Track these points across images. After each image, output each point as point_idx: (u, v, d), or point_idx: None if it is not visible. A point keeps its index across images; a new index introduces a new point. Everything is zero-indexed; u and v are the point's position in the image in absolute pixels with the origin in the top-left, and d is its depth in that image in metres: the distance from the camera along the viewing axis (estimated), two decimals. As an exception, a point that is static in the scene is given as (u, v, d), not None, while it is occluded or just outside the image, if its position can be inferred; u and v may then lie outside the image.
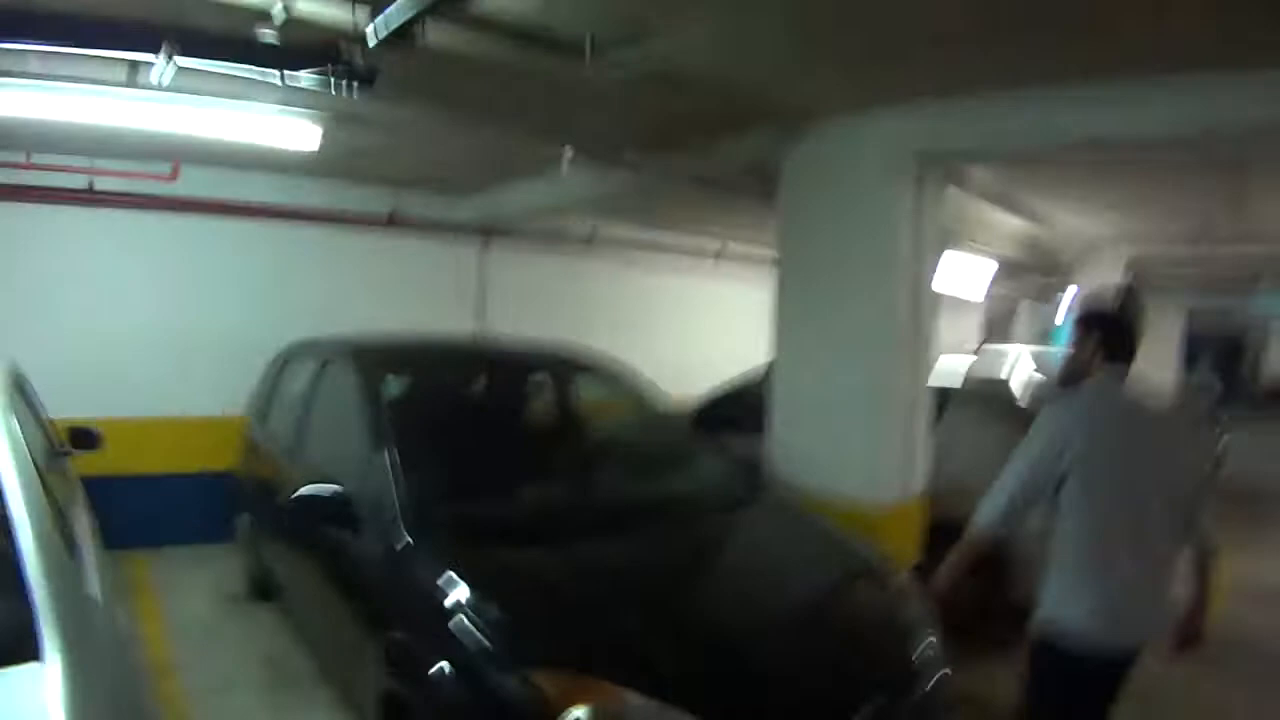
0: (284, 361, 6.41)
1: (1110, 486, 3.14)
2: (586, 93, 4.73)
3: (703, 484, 4.89)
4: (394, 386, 4.96)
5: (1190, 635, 3.41)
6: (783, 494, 5.04)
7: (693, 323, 12.24)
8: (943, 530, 5.49)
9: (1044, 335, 27.67)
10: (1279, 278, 13.71)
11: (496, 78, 4.55)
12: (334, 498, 3.96)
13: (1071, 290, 13.43)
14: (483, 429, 5.11)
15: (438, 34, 3.68)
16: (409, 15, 3.37)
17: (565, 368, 5.83)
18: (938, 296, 5.95)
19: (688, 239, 11.52)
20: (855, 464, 5.40)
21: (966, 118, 4.99)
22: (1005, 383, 8.45)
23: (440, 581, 3.40)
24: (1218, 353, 32.01)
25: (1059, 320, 15.57)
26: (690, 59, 4.37)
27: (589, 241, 10.58)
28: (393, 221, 8.97)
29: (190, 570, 7.22)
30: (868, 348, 5.40)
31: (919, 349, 5.63)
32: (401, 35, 3.51)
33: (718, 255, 11.96)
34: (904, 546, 5.35)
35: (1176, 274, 13.21)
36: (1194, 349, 21.09)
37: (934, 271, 5.82)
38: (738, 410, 7.07)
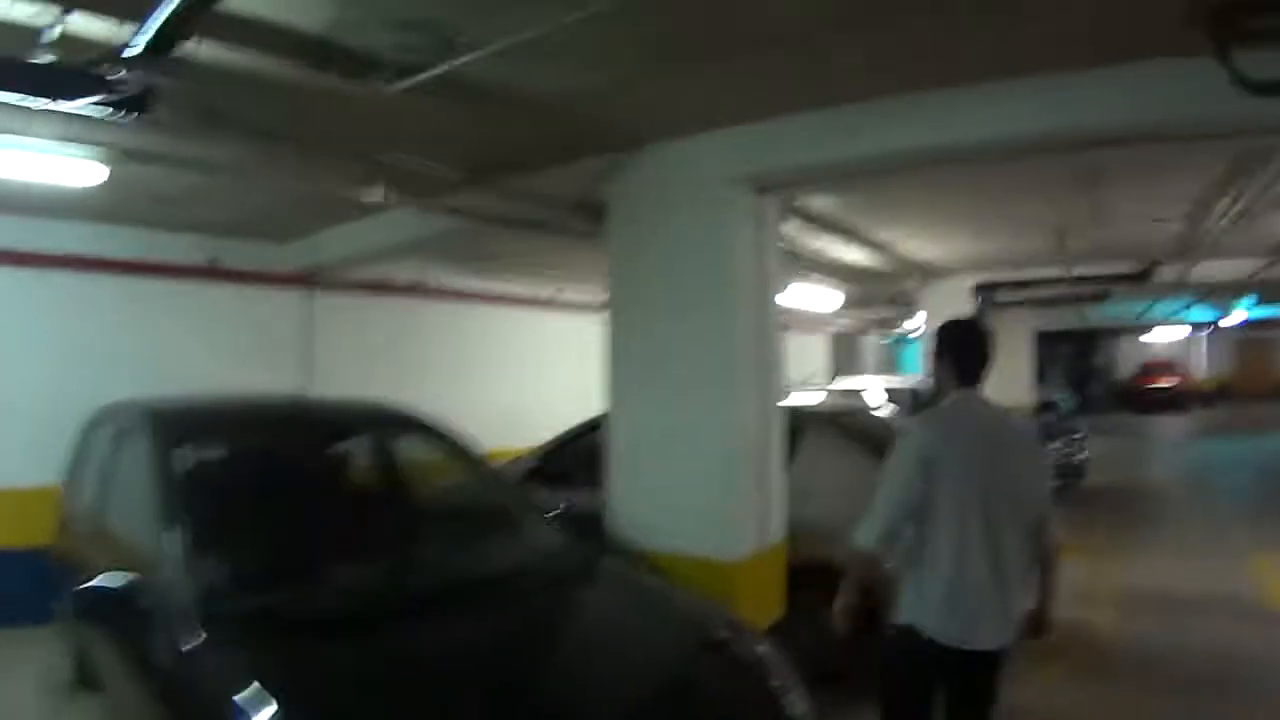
0: (91, 428, 5.67)
1: (964, 495, 3.30)
2: (394, 118, 4.34)
3: (537, 555, 4.42)
4: (192, 456, 4.33)
5: (1039, 624, 3.68)
6: (624, 560, 4.64)
7: (532, 369, 11.90)
8: (807, 575, 5.23)
9: (890, 364, 28.46)
10: (1128, 291, 14.01)
11: (292, 102, 4.12)
12: (122, 590, 3.46)
13: (918, 317, 13.62)
14: (295, 502, 4.51)
15: (214, 51, 3.29)
16: (161, 21, 2.92)
17: (387, 429, 5.28)
18: (783, 329, 5.63)
19: (520, 286, 11.27)
20: (704, 515, 5.01)
21: (805, 135, 4.75)
22: (865, 410, 8.22)
23: (238, 697, 2.85)
24: (1069, 366, 33.41)
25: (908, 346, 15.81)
26: (505, 75, 3.99)
27: (417, 289, 10.16)
28: (212, 271, 8.30)
29: (15, 655, 6.42)
30: (711, 386, 5.04)
31: (767, 385, 5.30)
32: (160, 48, 3.06)
33: (550, 302, 11.73)
34: (765, 601, 5.01)
35: (1024, 295, 13.42)
36: (1044, 365, 21.68)
37: (777, 303, 5.50)
38: (577, 461, 6.61)
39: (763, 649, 3.76)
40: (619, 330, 5.52)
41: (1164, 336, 33.37)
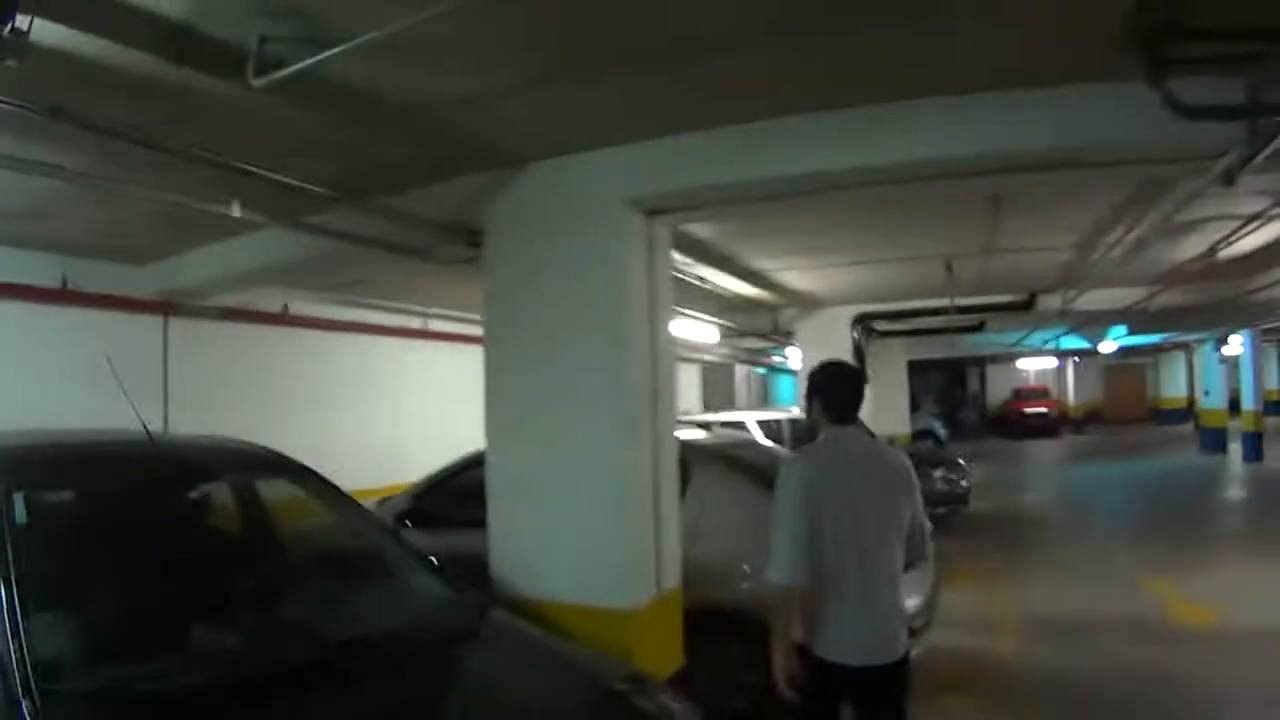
0: None
1: (840, 524, 3.48)
2: (256, 123, 3.95)
3: (419, 610, 3.98)
4: (29, 502, 3.78)
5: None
6: (508, 613, 4.15)
7: (403, 403, 11.43)
8: (703, 619, 4.99)
9: (763, 397, 28.64)
10: (1004, 320, 14.23)
11: (146, 100, 3.70)
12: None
13: (792, 352, 13.63)
14: (149, 556, 3.93)
15: (58, 35, 2.96)
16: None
17: (250, 470, 4.73)
18: (673, 361, 5.35)
19: (387, 316, 10.84)
20: (596, 560, 4.66)
21: (702, 155, 4.51)
22: (752, 443, 7.99)
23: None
24: (941, 394, 34.17)
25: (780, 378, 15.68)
26: (376, 76, 3.65)
27: (280, 318, 9.61)
28: (63, 294, 7.64)
29: None
30: (601, 420, 4.70)
31: (661, 418, 5.00)
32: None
33: (420, 333, 11.35)
34: (664, 651, 4.71)
35: (902, 326, 13.56)
36: (916, 393, 22.05)
37: (669, 333, 5.21)
38: (454, 500, 6.19)
39: (668, 700, 3.49)
40: (498, 362, 5.14)
41: (1035, 364, 34.39)
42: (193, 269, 7.45)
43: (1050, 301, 11.82)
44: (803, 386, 4.16)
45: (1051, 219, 7.39)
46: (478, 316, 11.51)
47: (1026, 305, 11.96)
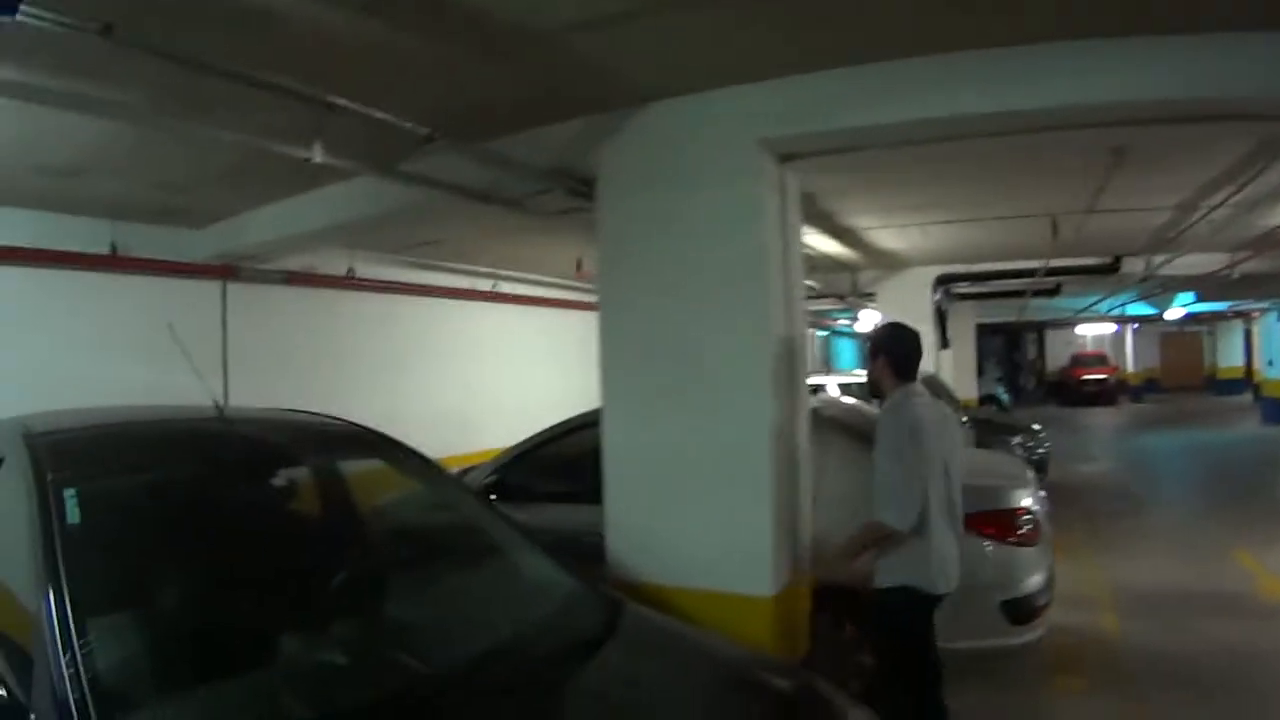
0: None
1: (930, 472, 3.84)
2: (344, 48, 3.50)
3: (540, 610, 3.34)
4: (84, 497, 2.99)
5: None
6: (639, 605, 3.50)
7: (477, 369, 10.94)
8: (820, 599, 4.59)
9: (825, 361, 28.07)
10: (1081, 285, 13.85)
11: (218, 21, 3.24)
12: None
13: (866, 314, 13.27)
14: (228, 557, 3.28)
15: None
16: None
17: (336, 450, 4.14)
18: (805, 321, 4.85)
19: (459, 277, 10.36)
20: (730, 539, 4.15)
21: (843, 95, 4.00)
22: (854, 408, 7.52)
23: None
24: (1001, 360, 33.46)
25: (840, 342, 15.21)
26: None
27: (346, 281, 9.12)
28: (115, 260, 7.24)
29: None
30: (738, 386, 4.18)
31: (797, 385, 4.49)
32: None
33: (491, 295, 10.82)
34: (795, 636, 4.25)
35: (983, 289, 13.11)
36: (980, 359, 21.47)
37: (802, 289, 4.69)
38: (548, 472, 5.71)
39: (846, 704, 2.97)
40: (616, 320, 4.61)
41: (1092, 330, 33.54)
42: (255, 230, 7.00)
43: (1134, 265, 11.42)
44: (868, 346, 4.32)
45: (1166, 176, 6.88)
46: (552, 279, 11.20)
47: (1111, 269, 11.59)
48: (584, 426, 5.35)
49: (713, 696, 2.96)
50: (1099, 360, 33.25)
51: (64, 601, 2.46)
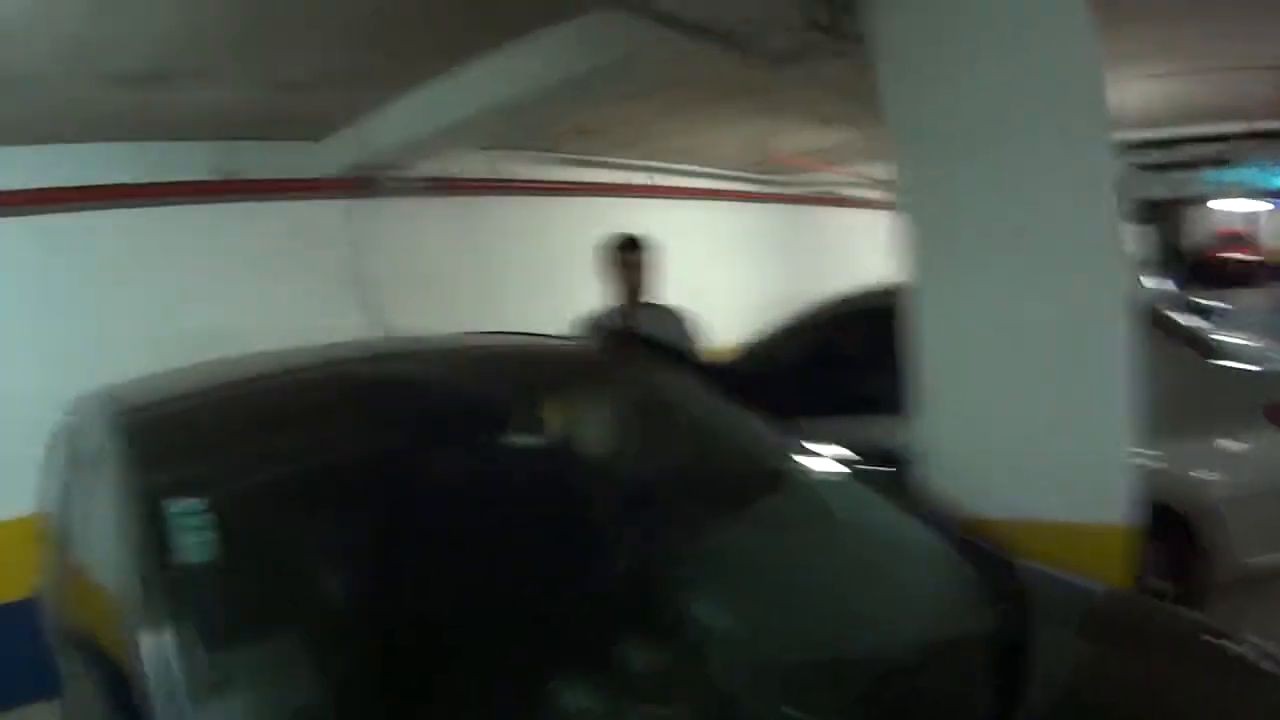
0: (67, 436, 3.50)
1: None
2: None
3: (934, 604, 2.26)
4: (211, 522, 1.99)
5: None
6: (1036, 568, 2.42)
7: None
8: None
9: None
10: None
11: None
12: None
13: None
14: (463, 578, 2.17)
15: None
16: None
17: (597, 386, 3.06)
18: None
19: (614, 172, 9.26)
20: (1088, 459, 3.18)
21: None
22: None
23: None
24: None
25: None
26: None
27: (491, 184, 8.15)
28: (229, 186, 6.45)
29: None
30: (1071, 266, 3.17)
31: (1123, 266, 3.45)
32: None
33: (651, 189, 9.67)
34: (1129, 569, 3.24)
35: (1168, 157, 11.95)
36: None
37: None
38: (803, 375, 4.73)
39: None
40: (922, 183, 3.58)
41: (1229, 206, 31.42)
42: (384, 132, 6.13)
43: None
44: None
45: None
46: (715, 169, 10.16)
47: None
48: (860, 313, 4.54)
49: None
50: (1243, 239, 31.17)
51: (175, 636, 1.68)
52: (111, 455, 2.28)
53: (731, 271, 10.44)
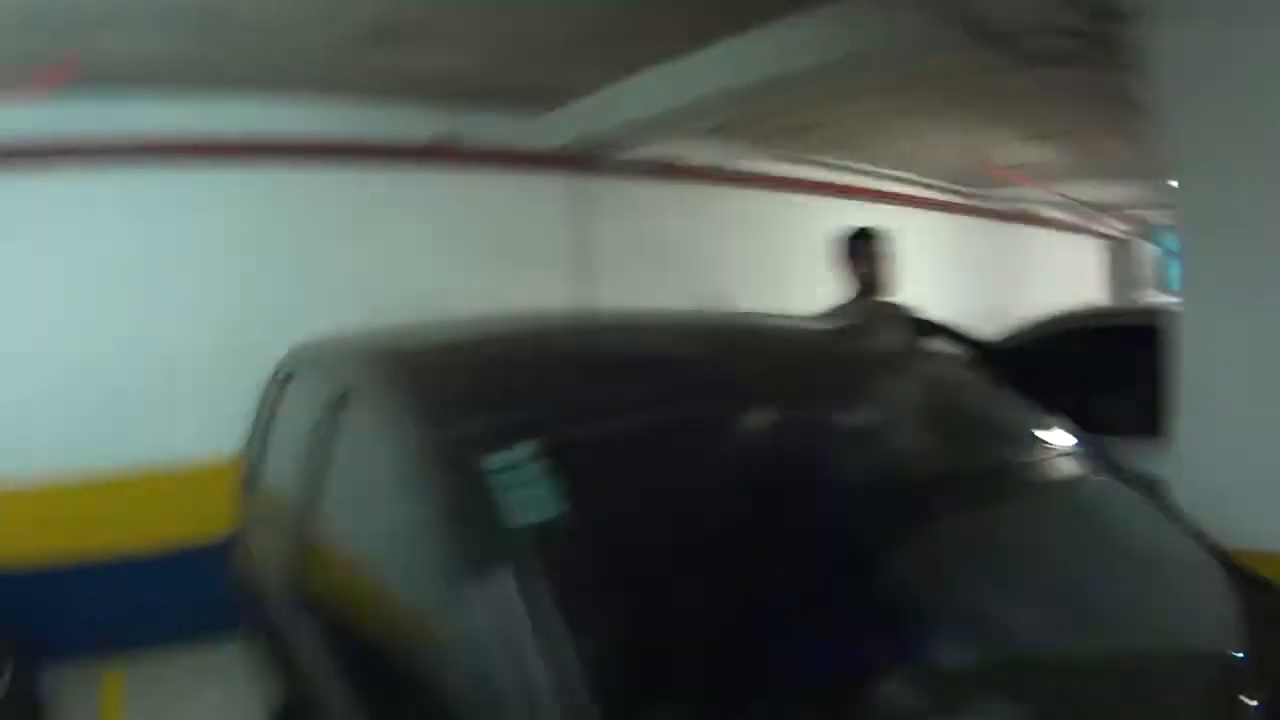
0: (284, 380, 3.58)
1: None
2: None
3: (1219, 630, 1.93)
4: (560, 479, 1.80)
5: None
6: None
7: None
8: None
9: (1161, 280, 24.86)
10: None
11: None
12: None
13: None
14: (764, 531, 1.99)
15: None
16: None
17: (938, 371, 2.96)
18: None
19: (838, 174, 9.00)
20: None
21: None
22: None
23: None
24: None
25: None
26: None
27: (716, 174, 7.92)
28: (448, 152, 6.42)
29: (190, 689, 4.76)
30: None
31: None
32: None
33: (858, 191, 9.28)
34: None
35: None
36: None
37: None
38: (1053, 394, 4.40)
39: None
40: (1204, 207, 3.21)
41: None
42: (617, 109, 5.95)
43: None
44: None
45: None
46: (928, 177, 9.69)
47: None
48: (1100, 331, 4.50)
49: None
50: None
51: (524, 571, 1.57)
52: (388, 405, 2.18)
53: (937, 285, 10.09)
